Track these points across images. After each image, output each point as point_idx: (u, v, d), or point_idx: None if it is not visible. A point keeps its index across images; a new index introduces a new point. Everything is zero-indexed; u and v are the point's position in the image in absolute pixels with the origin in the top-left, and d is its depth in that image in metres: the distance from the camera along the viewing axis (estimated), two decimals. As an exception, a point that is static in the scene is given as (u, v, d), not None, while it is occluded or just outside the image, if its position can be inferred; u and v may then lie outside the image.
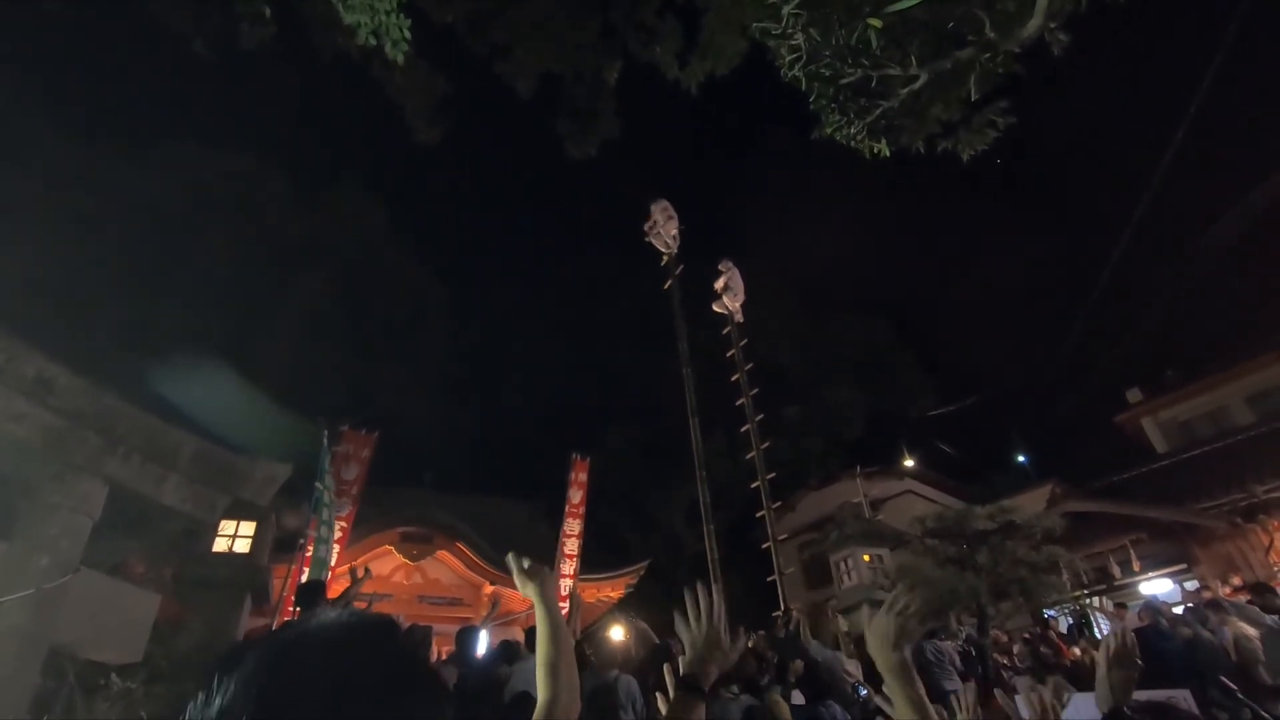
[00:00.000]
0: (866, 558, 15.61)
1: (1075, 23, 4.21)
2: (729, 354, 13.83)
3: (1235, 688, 5.29)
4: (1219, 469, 12.82)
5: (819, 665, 6.82)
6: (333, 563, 8.95)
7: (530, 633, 5.24)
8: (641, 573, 17.23)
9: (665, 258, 14.28)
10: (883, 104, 4.54)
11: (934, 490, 20.88)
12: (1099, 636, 9.87)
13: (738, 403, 13.35)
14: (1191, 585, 11.29)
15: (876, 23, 3.93)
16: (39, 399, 3.58)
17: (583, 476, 15.07)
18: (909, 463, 21.65)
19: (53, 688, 4.05)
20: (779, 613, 10.26)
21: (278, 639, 0.59)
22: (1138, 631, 7.17)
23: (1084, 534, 13.02)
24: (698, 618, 1.39)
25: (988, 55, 4.25)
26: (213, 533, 11.15)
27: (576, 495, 14.85)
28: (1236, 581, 9.45)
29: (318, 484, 8.45)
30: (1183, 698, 4.32)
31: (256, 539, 11.89)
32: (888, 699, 1.39)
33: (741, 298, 14.55)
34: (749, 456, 12.77)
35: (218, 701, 0.52)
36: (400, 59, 6.30)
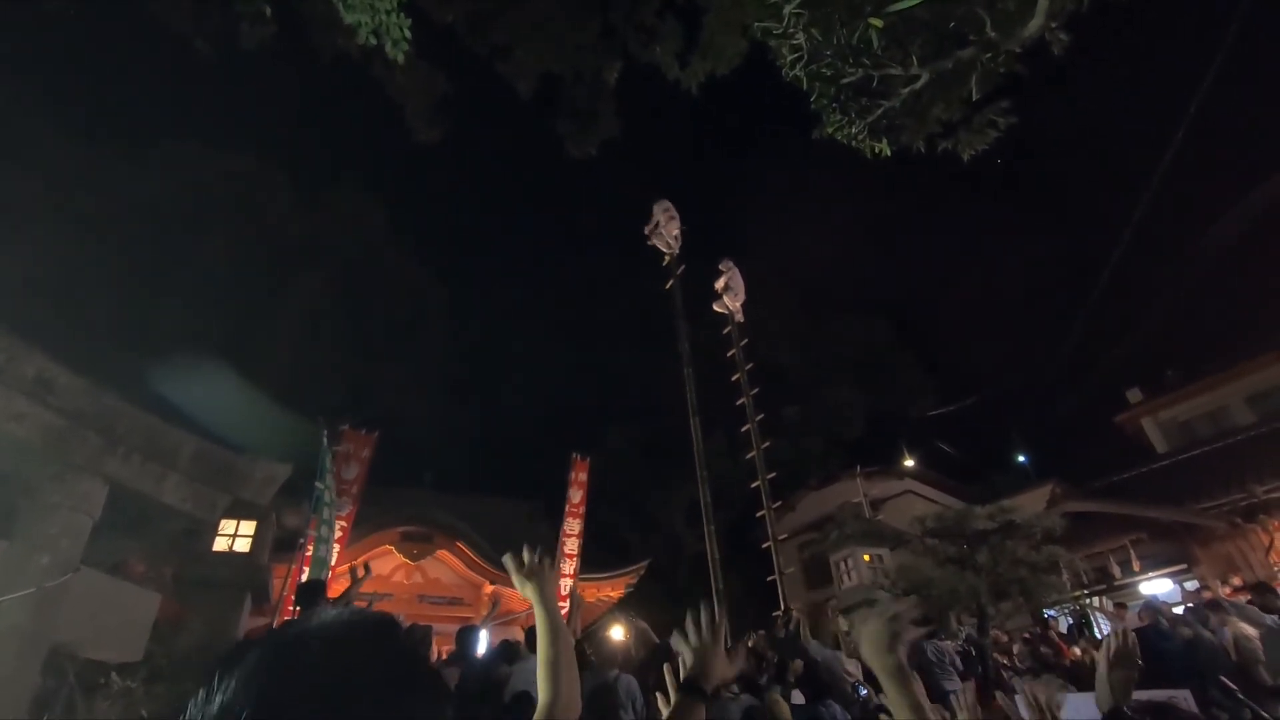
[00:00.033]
0: (866, 558, 15.62)
1: (1076, 22, 4.21)
2: (729, 354, 13.83)
3: (1235, 688, 5.29)
4: (1219, 469, 12.82)
5: (819, 665, 6.82)
6: (333, 562, 8.95)
7: (530, 632, 5.24)
8: (641, 573, 17.23)
9: (667, 258, 14.28)
10: (884, 103, 4.54)
11: (934, 490, 20.88)
12: (1099, 636, 9.87)
13: (738, 403, 13.35)
14: (1191, 585, 11.28)
15: (878, 22, 3.93)
16: (39, 399, 3.58)
17: (583, 476, 15.07)
18: (909, 463, 21.65)
19: (53, 687, 4.05)
20: (779, 612, 10.26)
21: (278, 637, 0.59)
22: (1138, 631, 7.17)
23: (1084, 534, 13.02)
24: (698, 633, 1.41)
25: (989, 55, 4.25)
26: (213, 532, 11.16)
27: (576, 495, 14.85)
28: (1236, 581, 9.45)
29: (318, 483, 8.45)
30: (1183, 698, 4.32)
31: (257, 538, 11.89)
32: None
33: (742, 297, 14.54)
34: (749, 456, 12.76)
35: (218, 699, 0.52)
36: (400, 59, 6.30)
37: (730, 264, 14.78)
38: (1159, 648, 6.61)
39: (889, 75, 4.36)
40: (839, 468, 22.75)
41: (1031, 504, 13.61)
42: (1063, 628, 10.90)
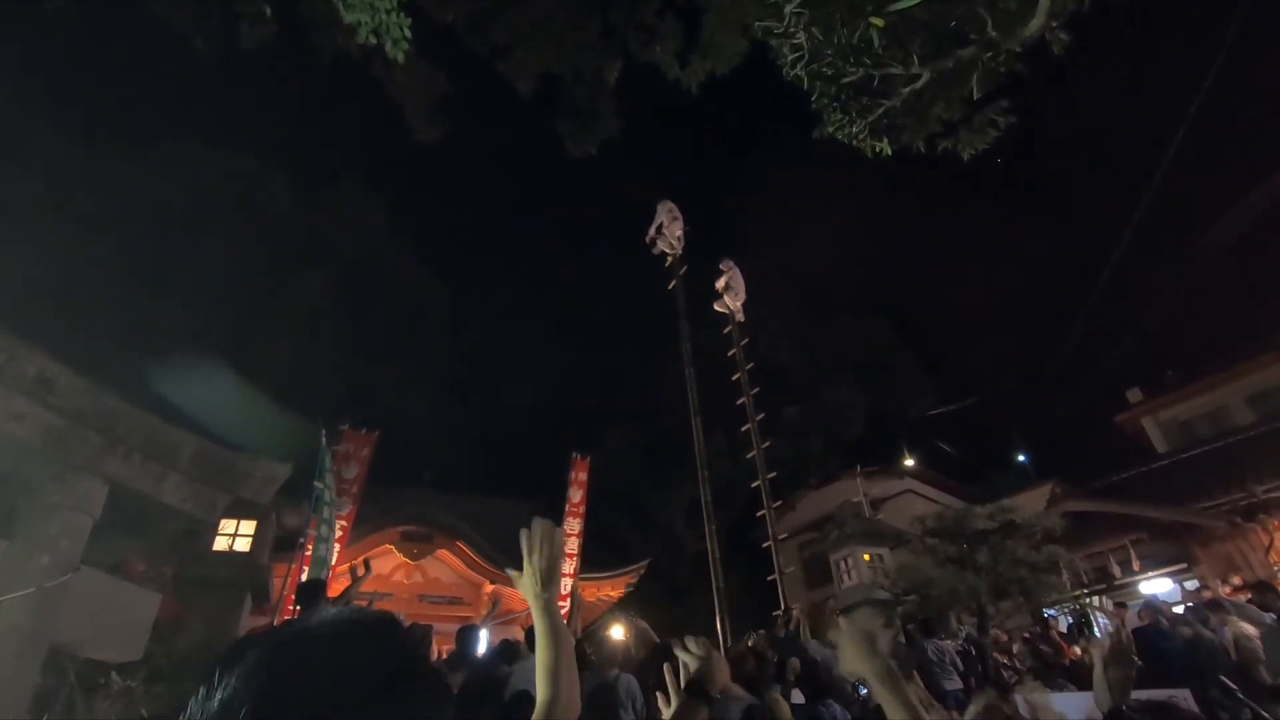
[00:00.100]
0: (866, 557, 15.61)
1: (1076, 22, 4.21)
2: (729, 354, 13.82)
3: (1235, 687, 5.29)
4: (1219, 469, 12.81)
5: (818, 664, 6.82)
6: (333, 562, 8.95)
7: (530, 631, 5.24)
8: (641, 572, 17.24)
9: (670, 258, 14.28)
10: (884, 103, 4.54)
11: (934, 490, 20.88)
12: (1099, 636, 9.87)
13: (738, 402, 13.34)
14: (1191, 585, 11.28)
15: (879, 21, 3.93)
16: (39, 398, 3.57)
17: (583, 476, 15.08)
18: (909, 462, 21.65)
19: (53, 686, 4.05)
20: (779, 612, 10.25)
21: (279, 635, 0.59)
22: (1138, 631, 7.18)
23: (1084, 534, 13.02)
24: (689, 653, 1.43)
25: (989, 54, 4.25)
26: (213, 532, 11.17)
27: (576, 495, 14.85)
28: (1236, 581, 9.45)
29: (318, 483, 8.45)
30: (1183, 697, 4.32)
31: (257, 538, 11.89)
32: None
33: (743, 297, 14.53)
34: (749, 456, 12.76)
35: (219, 696, 0.52)
36: (400, 58, 6.30)
37: (731, 264, 14.78)
38: (1159, 647, 6.61)
39: (890, 74, 4.36)
40: (839, 467, 22.75)
41: (1031, 504, 13.61)
42: (1063, 627, 10.89)
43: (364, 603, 5.14)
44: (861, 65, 4.28)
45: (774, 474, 12.62)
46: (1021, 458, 23.77)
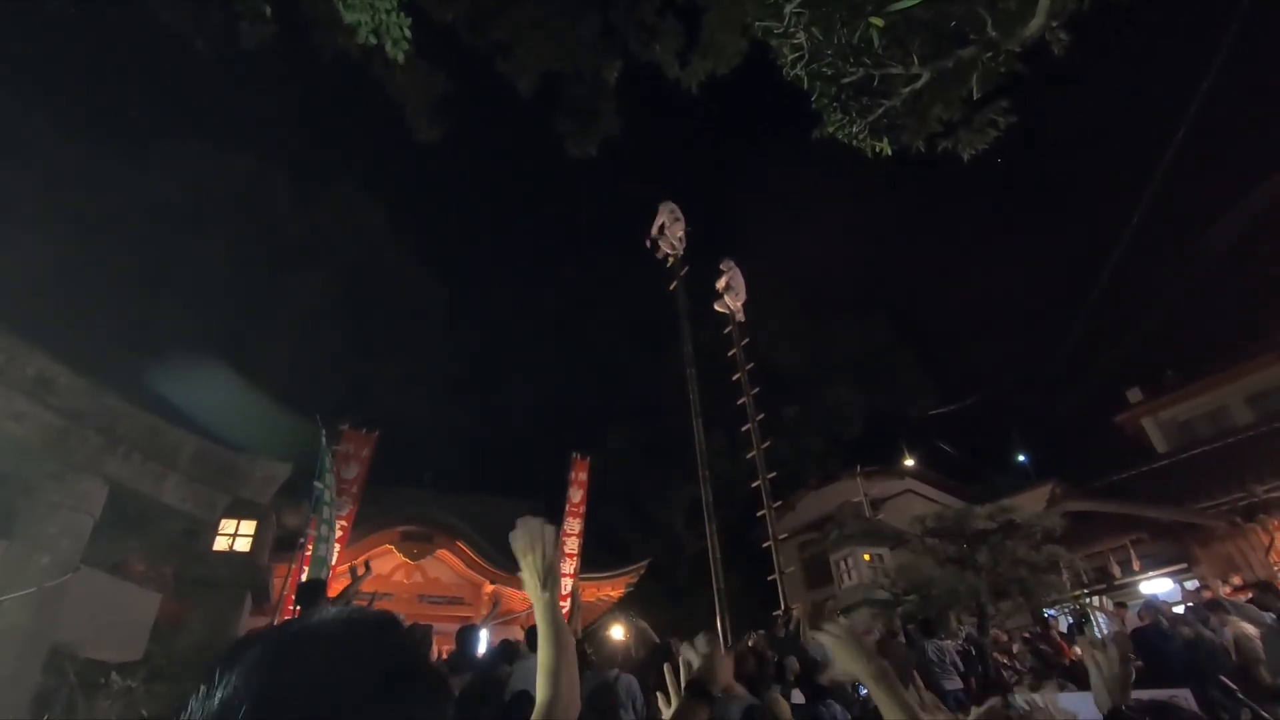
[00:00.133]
0: (866, 557, 15.62)
1: (1077, 22, 4.21)
2: (730, 354, 13.82)
3: (1235, 688, 5.29)
4: (1219, 469, 12.81)
5: (818, 664, 6.82)
6: (333, 562, 8.94)
7: (530, 632, 5.24)
8: (641, 572, 17.24)
9: (671, 259, 14.29)
10: (884, 103, 4.54)
11: (934, 490, 20.88)
12: (1098, 636, 9.87)
13: (738, 402, 13.34)
14: (1191, 585, 11.28)
15: (878, 21, 3.93)
16: (39, 398, 3.57)
17: (583, 476, 15.08)
18: (909, 462, 21.65)
19: (53, 686, 4.05)
20: (779, 612, 10.26)
21: (280, 634, 0.59)
22: (1138, 631, 7.18)
23: (1084, 534, 13.02)
24: (694, 652, 1.43)
25: (989, 54, 4.25)
26: (213, 532, 11.16)
27: (577, 495, 14.85)
28: (1236, 581, 9.45)
29: (318, 483, 8.45)
30: (1183, 697, 4.31)
31: (257, 538, 11.89)
32: None
33: (743, 297, 14.53)
34: (749, 456, 12.76)
35: (219, 694, 0.52)
36: (400, 58, 6.30)
37: (731, 264, 14.77)
38: (1159, 647, 6.61)
39: (890, 74, 4.36)
40: (839, 467, 22.76)
41: (1031, 504, 13.62)
42: (1063, 627, 10.90)
43: (364, 603, 5.14)
44: (861, 65, 4.29)
45: (774, 474, 12.63)
46: (1021, 458, 23.80)
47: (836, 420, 26.04)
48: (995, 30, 4.12)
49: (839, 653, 1.38)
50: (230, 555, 11.52)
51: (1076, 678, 7.21)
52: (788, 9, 4.18)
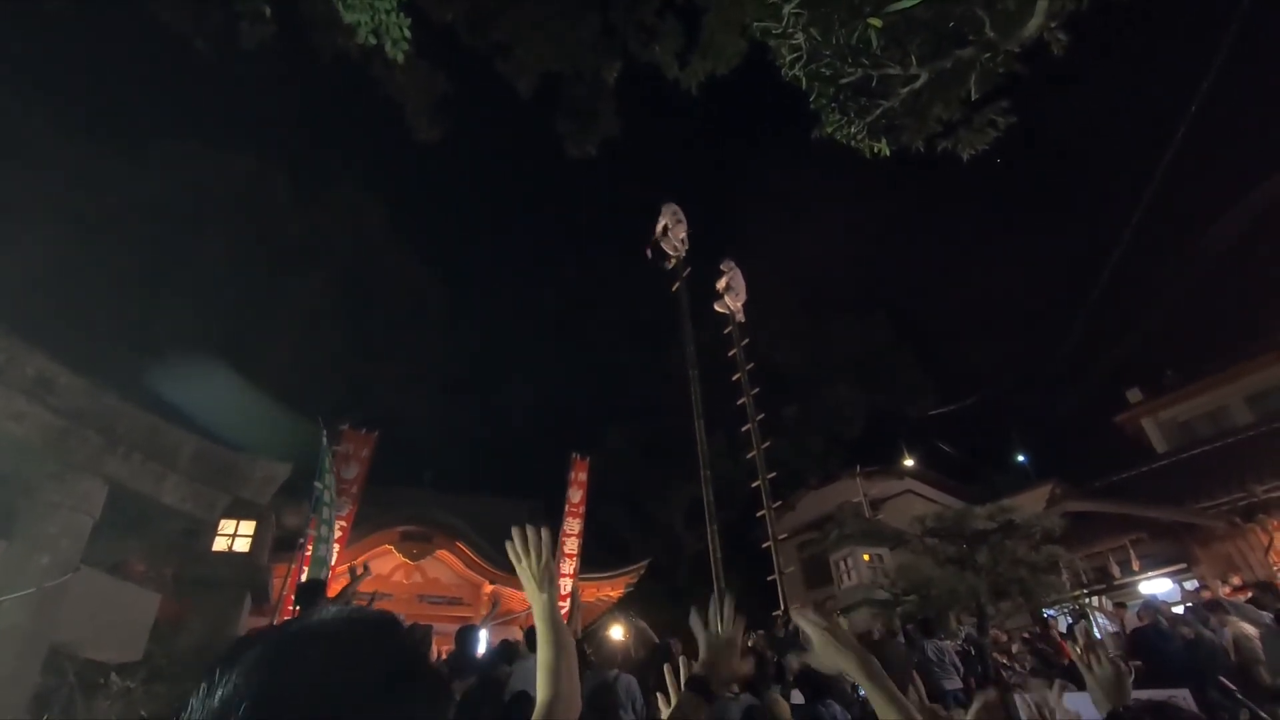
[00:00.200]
0: (866, 557, 15.62)
1: (1076, 22, 4.21)
2: (730, 354, 13.83)
3: (1234, 688, 5.29)
4: (1219, 469, 12.81)
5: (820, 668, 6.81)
6: (332, 562, 8.95)
7: (530, 632, 5.24)
8: (641, 572, 17.24)
9: (673, 261, 14.31)
10: (883, 103, 4.55)
11: (934, 490, 20.88)
12: (1097, 636, 9.87)
13: (738, 402, 13.35)
14: (1191, 585, 11.28)
15: (877, 22, 3.93)
16: (39, 398, 3.58)
17: (583, 476, 15.08)
18: (909, 462, 21.65)
19: (53, 686, 4.06)
20: (779, 612, 10.26)
21: (280, 634, 0.59)
22: (1137, 631, 7.18)
23: (1084, 534, 13.02)
24: (719, 623, 1.39)
25: (988, 55, 4.26)
26: (212, 532, 11.16)
27: (576, 495, 14.85)
28: (1236, 581, 9.45)
29: (317, 483, 8.45)
30: (1182, 698, 4.32)
31: (256, 538, 11.88)
32: None
33: (743, 297, 14.55)
34: (749, 456, 12.77)
35: (219, 693, 0.52)
36: (400, 58, 6.30)
37: (731, 264, 14.79)
38: (1159, 648, 6.61)
39: (888, 75, 4.37)
40: (839, 467, 22.76)
41: (1031, 504, 13.62)
42: (1063, 627, 10.90)
43: (363, 603, 5.14)
44: (860, 66, 4.29)
45: (774, 474, 12.64)
46: (1021, 458, 23.80)
47: (836, 420, 26.04)
48: (994, 31, 4.12)
49: (818, 643, 1.38)
50: (230, 555, 11.52)
51: (1076, 678, 7.21)
52: (786, 9, 4.18)
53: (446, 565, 15.55)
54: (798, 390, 25.74)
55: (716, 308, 14.59)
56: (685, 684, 1.34)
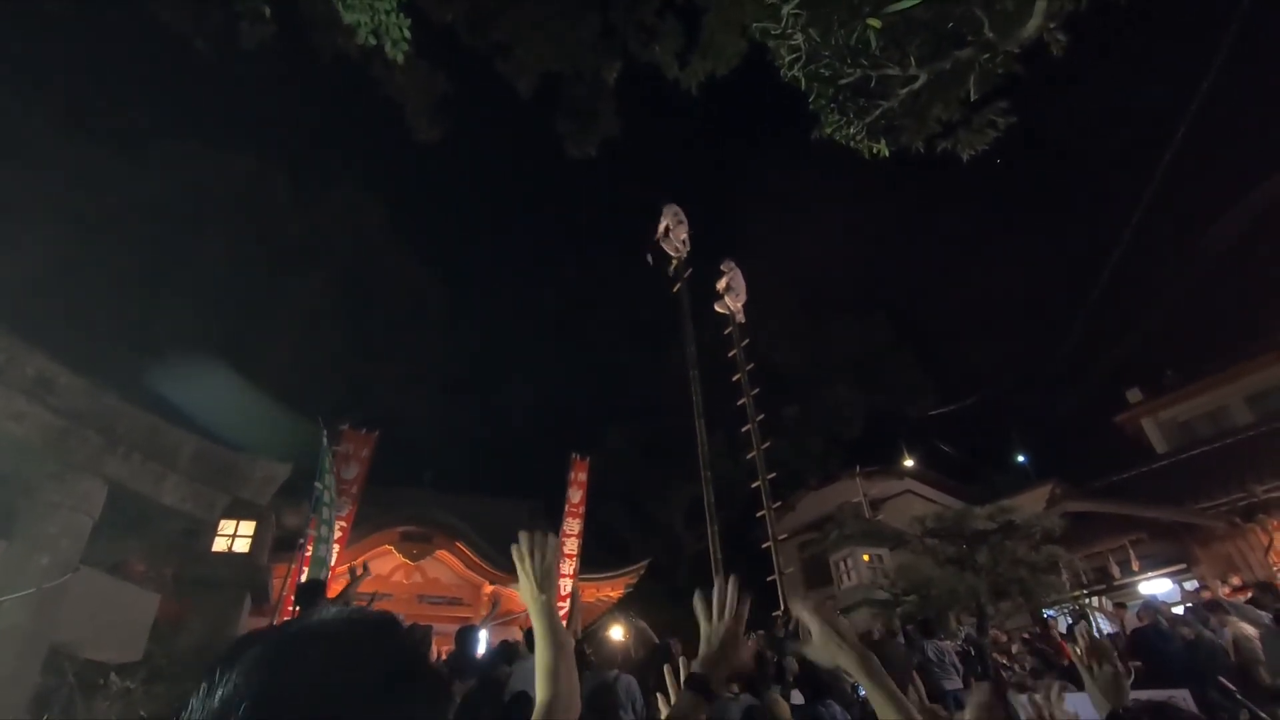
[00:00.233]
0: (866, 557, 15.62)
1: (1075, 23, 4.21)
2: (730, 354, 13.83)
3: (1234, 688, 5.29)
4: (1219, 469, 12.81)
5: (818, 665, 6.81)
6: (332, 562, 8.95)
7: (529, 632, 5.24)
8: (641, 572, 17.23)
9: (674, 262, 14.32)
10: (882, 104, 4.55)
11: (934, 490, 20.87)
12: (1096, 636, 9.86)
13: (738, 403, 13.35)
14: (1191, 585, 11.29)
15: (876, 23, 3.94)
16: (39, 398, 3.58)
17: (582, 476, 15.08)
18: (909, 463, 21.64)
19: (52, 686, 4.06)
20: (779, 612, 10.26)
21: (280, 634, 0.59)
22: (1137, 632, 7.18)
23: (1084, 534, 13.02)
24: (721, 613, 1.38)
25: (987, 55, 4.26)
26: (212, 532, 11.16)
27: (576, 495, 14.85)
28: (1236, 581, 9.45)
29: (317, 483, 8.45)
30: (1182, 698, 4.32)
31: (256, 538, 11.89)
32: None
33: (743, 298, 14.55)
34: (749, 456, 12.76)
35: (219, 693, 0.52)
36: (400, 58, 6.30)
37: (732, 264, 14.79)
38: (1158, 648, 6.61)
39: (887, 76, 4.37)
40: (839, 468, 22.75)
41: (1031, 504, 13.62)
42: (1062, 628, 10.91)
43: (363, 603, 5.15)
44: (859, 66, 4.29)
45: (774, 474, 12.63)
46: (1021, 458, 23.78)
47: (836, 420, 26.04)
48: (993, 31, 4.12)
49: (817, 636, 1.38)
50: (230, 556, 11.52)
51: (1076, 678, 7.21)
52: (785, 10, 4.18)
53: (446, 565, 15.55)
54: (798, 390, 25.74)
55: (717, 308, 14.59)
56: (684, 683, 1.34)
